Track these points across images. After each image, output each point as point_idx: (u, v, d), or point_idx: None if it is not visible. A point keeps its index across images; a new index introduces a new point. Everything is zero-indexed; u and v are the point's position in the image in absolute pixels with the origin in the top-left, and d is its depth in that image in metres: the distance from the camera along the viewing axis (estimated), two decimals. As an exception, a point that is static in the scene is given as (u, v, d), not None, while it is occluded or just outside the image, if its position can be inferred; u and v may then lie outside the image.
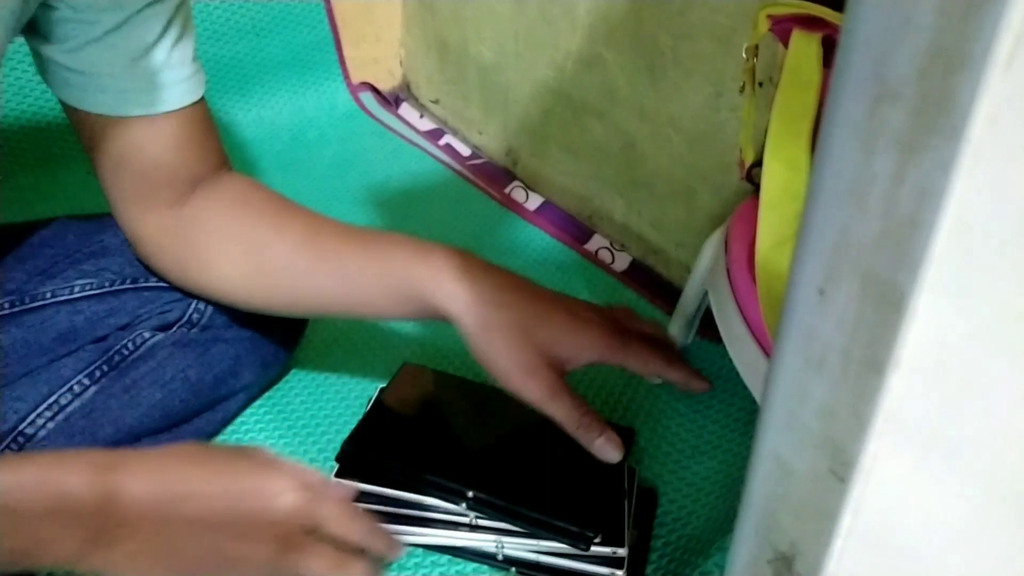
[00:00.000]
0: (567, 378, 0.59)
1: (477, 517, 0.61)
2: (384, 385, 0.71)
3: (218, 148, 0.68)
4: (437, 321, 0.60)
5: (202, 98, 0.65)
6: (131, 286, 0.69)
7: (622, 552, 0.59)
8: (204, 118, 0.66)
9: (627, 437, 0.67)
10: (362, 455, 0.64)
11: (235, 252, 0.65)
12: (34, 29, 0.58)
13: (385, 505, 0.62)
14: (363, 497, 0.62)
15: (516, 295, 0.57)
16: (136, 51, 0.60)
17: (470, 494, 0.60)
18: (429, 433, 0.67)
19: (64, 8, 0.56)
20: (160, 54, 0.61)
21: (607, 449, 0.59)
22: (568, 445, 0.63)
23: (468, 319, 0.57)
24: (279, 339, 0.75)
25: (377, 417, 0.68)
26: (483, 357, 0.57)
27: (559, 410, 0.57)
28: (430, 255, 0.59)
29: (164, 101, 0.62)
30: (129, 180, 0.64)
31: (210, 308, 0.70)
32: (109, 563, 0.44)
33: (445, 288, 0.57)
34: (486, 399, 0.71)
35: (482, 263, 0.59)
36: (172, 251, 0.67)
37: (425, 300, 0.58)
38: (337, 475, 0.63)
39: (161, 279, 0.69)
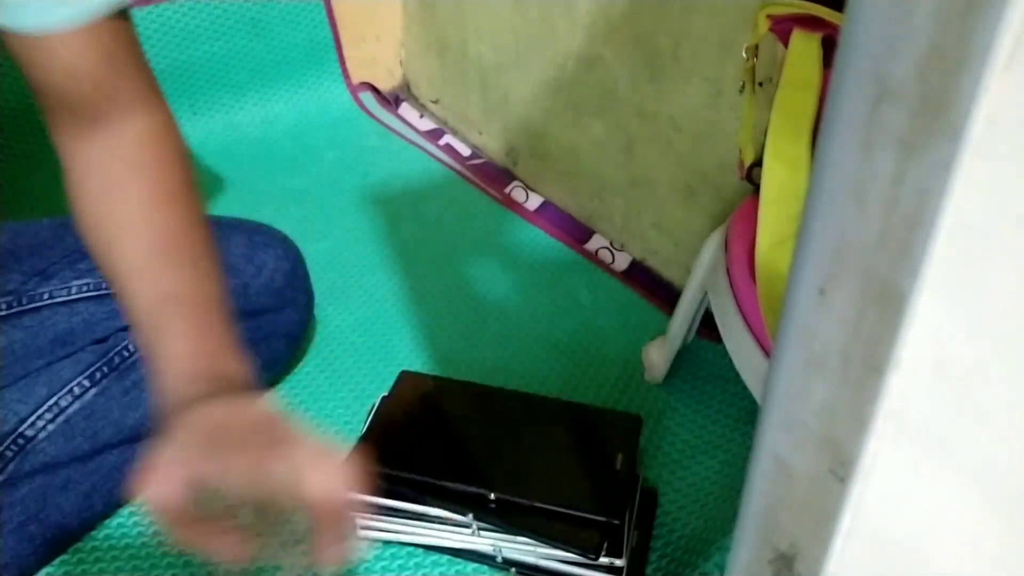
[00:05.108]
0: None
1: (480, 528, 0.61)
2: (385, 394, 0.71)
3: (131, 82, 0.55)
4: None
5: (121, 15, 0.52)
6: (129, 287, 0.69)
7: (620, 563, 0.59)
8: (112, 41, 0.53)
9: (634, 424, 0.67)
10: (370, 466, 0.63)
11: (91, 192, 0.56)
12: None
13: (394, 516, 0.62)
14: (371, 507, 0.62)
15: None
16: None
17: (492, 496, 0.60)
18: (437, 439, 0.67)
19: None
20: None
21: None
22: (574, 444, 0.63)
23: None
24: (279, 341, 0.75)
25: (381, 426, 0.68)
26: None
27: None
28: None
29: (57, 16, 0.49)
30: (41, 102, 0.54)
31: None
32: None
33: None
34: (488, 401, 0.71)
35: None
36: (67, 182, 0.57)
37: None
38: None
39: None
